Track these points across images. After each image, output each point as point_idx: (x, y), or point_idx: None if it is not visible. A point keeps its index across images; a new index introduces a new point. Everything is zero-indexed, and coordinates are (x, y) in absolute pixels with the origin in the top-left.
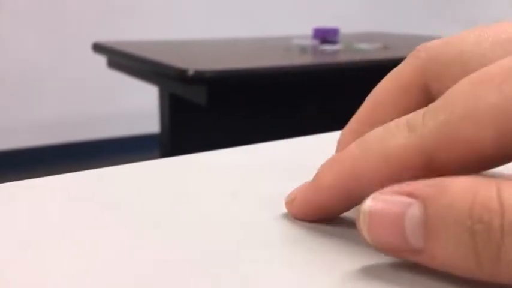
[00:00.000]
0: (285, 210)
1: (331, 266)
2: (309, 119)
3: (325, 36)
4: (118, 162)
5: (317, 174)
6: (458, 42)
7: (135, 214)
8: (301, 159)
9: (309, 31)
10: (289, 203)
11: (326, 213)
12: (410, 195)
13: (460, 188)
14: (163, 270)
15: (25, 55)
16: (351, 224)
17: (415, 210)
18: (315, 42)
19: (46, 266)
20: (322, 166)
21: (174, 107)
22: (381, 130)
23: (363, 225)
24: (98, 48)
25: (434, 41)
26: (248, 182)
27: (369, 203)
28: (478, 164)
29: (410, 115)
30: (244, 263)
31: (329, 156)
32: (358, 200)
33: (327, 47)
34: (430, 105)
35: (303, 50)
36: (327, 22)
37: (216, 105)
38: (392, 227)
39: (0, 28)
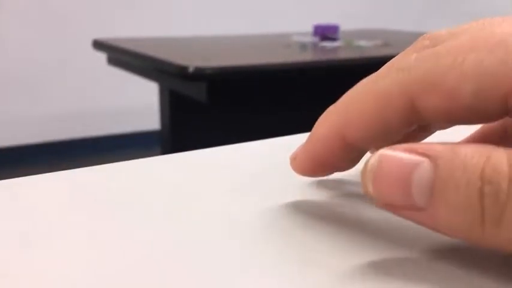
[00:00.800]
0: (285, 206)
1: (330, 262)
2: (309, 116)
3: (325, 33)
4: (119, 159)
5: (314, 127)
6: (462, 33)
7: (135, 211)
8: None
9: (309, 28)
10: (293, 160)
11: (326, 165)
12: (422, 154)
13: (473, 151)
14: (163, 267)
15: (24, 53)
16: (352, 221)
17: (425, 168)
18: (315, 39)
19: (47, 262)
20: (319, 118)
21: (174, 104)
22: (372, 75)
23: (367, 178)
24: (98, 45)
25: (440, 31)
26: (249, 179)
27: (376, 157)
28: (453, 115)
29: (401, 58)
30: (244, 259)
31: None
32: (353, 148)
33: (327, 44)
34: (423, 51)
35: (303, 46)
36: (327, 19)
37: (216, 102)
38: (398, 183)
39: (0, 27)
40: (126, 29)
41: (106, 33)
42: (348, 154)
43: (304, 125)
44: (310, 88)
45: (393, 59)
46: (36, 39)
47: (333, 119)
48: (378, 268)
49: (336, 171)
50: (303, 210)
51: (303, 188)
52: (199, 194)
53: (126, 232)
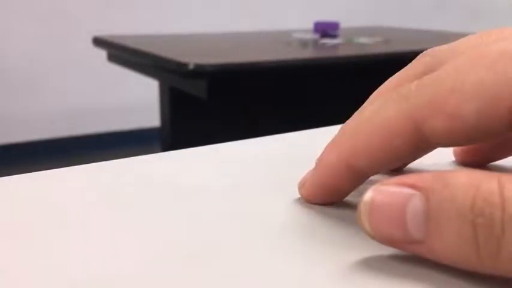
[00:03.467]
0: (285, 204)
1: (333, 257)
2: (309, 113)
3: (326, 30)
4: (119, 156)
5: (321, 155)
6: (460, 51)
7: (135, 208)
8: (298, 154)
9: (309, 25)
10: (301, 187)
11: (334, 193)
12: (412, 186)
13: (462, 181)
14: (165, 264)
15: (24, 50)
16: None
17: (416, 201)
18: (316, 36)
19: (44, 261)
20: (326, 147)
21: (174, 101)
22: (375, 104)
23: (363, 216)
24: (99, 42)
25: (441, 47)
26: (248, 175)
27: (370, 194)
28: (461, 136)
29: (403, 86)
30: (246, 254)
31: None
32: (361, 175)
33: (327, 41)
34: (423, 78)
35: (303, 44)
36: (327, 16)
37: (216, 99)
38: (393, 218)
39: (0, 24)
40: (127, 26)
41: (107, 30)
42: (356, 180)
43: (304, 121)
44: (310, 85)
45: (392, 78)
46: (37, 36)
47: (339, 148)
48: (383, 262)
49: (343, 197)
50: (306, 206)
51: None
52: (199, 191)
53: (125, 231)
